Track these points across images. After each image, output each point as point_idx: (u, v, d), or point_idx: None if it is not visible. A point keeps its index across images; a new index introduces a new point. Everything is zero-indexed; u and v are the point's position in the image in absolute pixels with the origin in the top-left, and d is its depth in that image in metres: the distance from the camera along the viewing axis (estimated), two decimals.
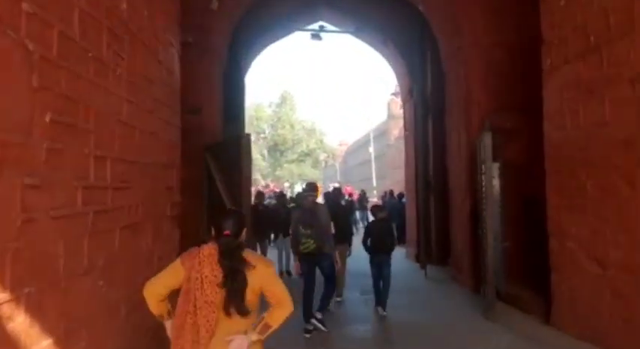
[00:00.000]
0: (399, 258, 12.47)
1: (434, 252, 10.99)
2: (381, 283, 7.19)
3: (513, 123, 7.76)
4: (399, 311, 7.37)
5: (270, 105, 51.93)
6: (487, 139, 6.26)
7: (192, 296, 2.51)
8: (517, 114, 7.83)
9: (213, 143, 7.47)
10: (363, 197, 20.78)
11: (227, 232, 2.61)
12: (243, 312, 2.54)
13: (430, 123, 10.88)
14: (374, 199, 30.08)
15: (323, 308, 6.32)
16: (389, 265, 7.23)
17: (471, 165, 8.14)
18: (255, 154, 50.87)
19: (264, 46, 11.90)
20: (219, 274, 2.54)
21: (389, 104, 42.18)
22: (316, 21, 11.94)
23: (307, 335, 6.07)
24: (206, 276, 2.52)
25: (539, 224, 6.74)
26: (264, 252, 9.99)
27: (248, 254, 2.66)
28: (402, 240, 14.38)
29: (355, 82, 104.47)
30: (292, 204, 12.42)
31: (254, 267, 2.58)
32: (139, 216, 4.33)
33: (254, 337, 2.58)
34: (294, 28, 11.75)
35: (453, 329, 6.42)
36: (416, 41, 10.62)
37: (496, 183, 6.36)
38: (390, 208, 14.83)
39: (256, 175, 51.91)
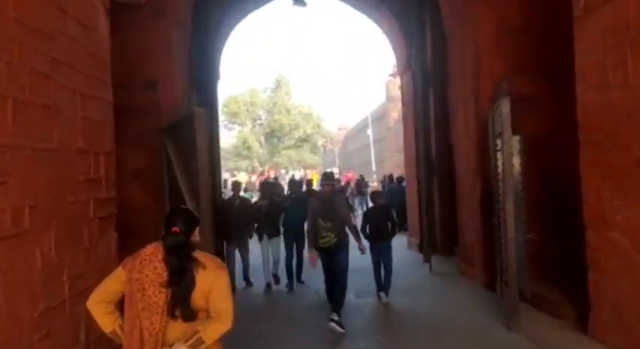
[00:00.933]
0: (401, 248, 11.21)
1: (439, 241, 9.71)
2: (382, 270, 6.90)
3: (532, 89, 6.42)
4: (401, 317, 6.29)
5: (265, 91, 50.31)
6: (505, 106, 4.92)
7: (135, 298, 2.36)
8: (536, 79, 6.49)
9: (172, 123, 6.13)
10: (361, 182, 19.43)
11: (175, 229, 2.42)
12: (189, 316, 2.37)
13: (431, 96, 9.51)
14: (374, 184, 28.80)
15: (339, 308, 5.81)
16: (390, 251, 6.99)
17: (482, 143, 6.81)
18: (253, 141, 49.46)
19: (242, 14, 10.48)
20: (163, 273, 2.36)
21: (387, 85, 40.76)
22: None
23: (332, 324, 5.64)
24: (147, 276, 2.36)
25: (567, 209, 5.46)
26: (229, 258, 7.82)
27: (199, 254, 2.46)
28: (403, 228, 13.13)
29: (349, 57, 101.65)
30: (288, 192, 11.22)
31: (204, 268, 2.39)
32: (25, 221, 3.03)
33: None
34: None
35: (469, 344, 5.15)
36: (413, 1, 9.20)
37: (516, 161, 5.02)
38: (390, 193, 13.56)
39: (254, 162, 50.62)
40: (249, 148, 48.66)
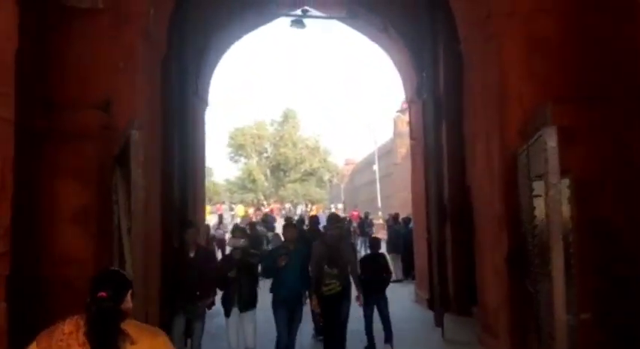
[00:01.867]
0: (406, 300, 9.71)
1: (452, 297, 8.22)
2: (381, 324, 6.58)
3: (575, 119, 5.08)
4: None
5: (272, 123, 49.57)
6: (551, 139, 3.59)
7: None
8: (580, 106, 5.16)
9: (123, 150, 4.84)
10: (364, 221, 17.94)
11: (102, 294, 2.08)
12: None
13: (444, 129, 8.23)
14: (379, 221, 27.32)
15: None
16: (386, 303, 6.69)
17: (509, 185, 5.44)
18: (258, 174, 48.37)
19: (234, 37, 9.38)
20: None
21: (395, 121, 39.76)
22: (297, 6, 9.42)
23: None
24: None
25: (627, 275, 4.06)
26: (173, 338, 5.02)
27: (130, 325, 2.12)
28: (410, 275, 11.64)
29: (356, 86, 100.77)
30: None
31: (133, 343, 2.05)
32: None
33: None
34: (271, 14, 9.22)
35: None
36: (424, 22, 8.02)
37: (566, 209, 3.64)
38: (395, 236, 12.16)
39: (259, 196, 49.38)
40: (254, 181, 47.61)
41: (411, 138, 9.54)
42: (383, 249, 16.68)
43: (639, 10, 4.70)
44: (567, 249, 3.91)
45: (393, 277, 12.04)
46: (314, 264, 5.72)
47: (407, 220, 12.33)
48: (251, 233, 11.60)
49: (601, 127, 4.84)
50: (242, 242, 5.61)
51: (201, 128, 9.36)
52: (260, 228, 14.32)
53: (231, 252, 5.88)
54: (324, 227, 7.26)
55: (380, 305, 6.53)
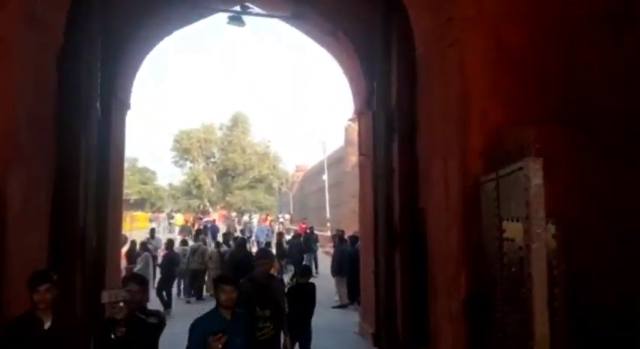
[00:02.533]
0: (348, 331, 8.76)
1: (400, 336, 7.31)
2: None
3: (548, 144, 4.28)
4: None
5: (221, 128, 47.85)
6: (535, 175, 2.71)
7: None
8: (553, 129, 4.37)
9: None
10: (310, 237, 16.89)
11: None
12: None
13: (396, 145, 7.35)
14: (327, 233, 26.42)
15: None
16: (310, 338, 6.32)
17: (470, 220, 4.60)
18: (204, 179, 46.52)
19: (160, 33, 8.19)
20: None
21: (346, 129, 39.04)
22: (237, 1, 8.34)
23: None
24: None
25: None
26: None
27: None
28: (355, 299, 10.73)
29: (308, 90, 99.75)
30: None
31: None
32: None
33: None
34: (206, 9, 8.10)
35: None
36: (377, 27, 7.13)
37: (542, 265, 2.74)
38: (340, 256, 11.20)
39: (205, 202, 47.49)
40: (199, 187, 45.72)
41: (360, 153, 8.64)
42: (327, 271, 15.82)
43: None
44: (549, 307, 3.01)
45: (337, 302, 11.14)
46: (243, 305, 4.87)
47: (354, 239, 11.42)
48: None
49: (584, 159, 4.05)
50: (124, 295, 3.64)
51: (120, 131, 8.10)
52: (198, 244, 12.99)
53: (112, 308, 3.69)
54: (253, 261, 6.17)
55: (302, 342, 6.12)
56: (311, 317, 6.29)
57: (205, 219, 29.27)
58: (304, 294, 6.17)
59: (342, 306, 10.77)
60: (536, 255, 2.60)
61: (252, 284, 5.13)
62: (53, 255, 5.22)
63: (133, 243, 12.06)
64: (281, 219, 29.68)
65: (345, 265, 10.78)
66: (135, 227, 33.05)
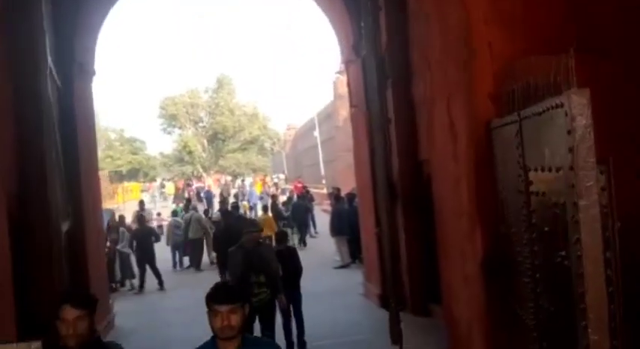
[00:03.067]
0: (352, 293, 8.36)
1: (408, 293, 6.91)
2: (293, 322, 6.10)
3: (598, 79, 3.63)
4: None
5: (206, 91, 46.49)
6: (581, 110, 2.08)
7: None
8: (578, 59, 3.70)
9: None
10: (305, 197, 16.36)
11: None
12: None
13: (390, 92, 6.69)
14: (323, 191, 26.00)
15: None
16: (300, 298, 6.22)
17: (483, 169, 4.01)
18: (194, 145, 45.60)
19: None
20: None
21: (334, 83, 38.05)
22: None
23: None
24: None
25: None
26: None
27: None
28: (356, 257, 10.34)
29: (291, 45, 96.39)
30: None
31: None
32: None
33: None
34: None
35: None
36: None
37: (596, 227, 2.17)
38: (338, 216, 10.72)
39: (197, 168, 46.77)
40: (190, 153, 44.84)
41: (351, 104, 7.96)
42: (325, 230, 15.35)
43: None
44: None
45: (339, 262, 10.76)
46: (234, 274, 5.23)
47: (351, 197, 10.89)
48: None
49: (622, 93, 3.42)
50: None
51: (85, 99, 7.38)
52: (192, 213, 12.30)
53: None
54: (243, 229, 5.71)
55: (294, 302, 6.10)
56: (298, 280, 6.29)
57: (196, 185, 28.67)
58: (286, 259, 6.07)
59: (344, 266, 10.40)
60: (588, 215, 2.03)
61: (242, 252, 5.21)
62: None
63: (112, 218, 11.37)
64: (275, 180, 29.07)
65: (344, 224, 10.31)
66: (128, 198, 32.58)
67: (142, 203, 13.86)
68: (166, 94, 45.64)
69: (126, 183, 37.79)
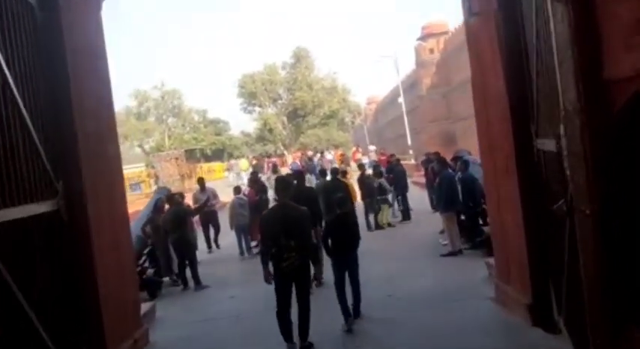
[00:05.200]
0: (475, 296, 5.61)
1: (588, 313, 4.00)
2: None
3: None
4: None
5: (284, 67, 44.45)
6: None
7: None
8: None
9: None
10: (394, 166, 13.16)
11: None
12: None
13: None
14: (411, 162, 23.01)
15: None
16: (357, 263, 5.58)
17: None
18: (275, 123, 44.04)
19: None
20: None
21: (417, 50, 34.45)
22: None
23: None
24: None
25: None
26: None
27: None
28: (474, 242, 7.53)
29: (366, 15, 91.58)
30: None
31: None
32: None
33: None
34: None
35: None
36: None
37: None
38: (448, 184, 7.84)
39: (279, 146, 45.30)
40: (271, 131, 43.31)
41: (472, 12, 5.04)
42: (422, 207, 12.56)
43: None
44: None
45: (448, 248, 7.92)
46: (266, 237, 4.85)
47: (463, 162, 7.82)
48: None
49: None
50: None
51: (86, 32, 5.12)
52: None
53: None
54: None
55: (351, 268, 5.49)
56: (357, 243, 5.59)
57: (274, 159, 26.78)
58: (343, 224, 5.51)
59: (453, 253, 7.60)
60: None
61: (271, 213, 4.90)
62: None
63: (162, 199, 8.47)
64: (372, 151, 26.19)
65: (456, 196, 7.48)
66: (212, 177, 31.62)
67: (201, 180, 11.34)
68: (244, 71, 44.27)
69: (210, 164, 37.11)
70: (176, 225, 7.52)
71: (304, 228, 4.71)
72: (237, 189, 9.93)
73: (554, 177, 3.94)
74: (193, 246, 7.97)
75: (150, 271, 7.99)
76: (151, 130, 49.47)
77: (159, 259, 8.15)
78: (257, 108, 45.33)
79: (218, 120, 52.75)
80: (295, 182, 6.56)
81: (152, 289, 7.77)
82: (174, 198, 7.98)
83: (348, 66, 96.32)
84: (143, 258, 8.23)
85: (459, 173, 7.68)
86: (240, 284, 7.89)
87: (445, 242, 8.10)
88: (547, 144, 3.92)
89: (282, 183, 5.04)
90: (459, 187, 7.46)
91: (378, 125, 55.75)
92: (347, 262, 5.40)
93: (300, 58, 43.25)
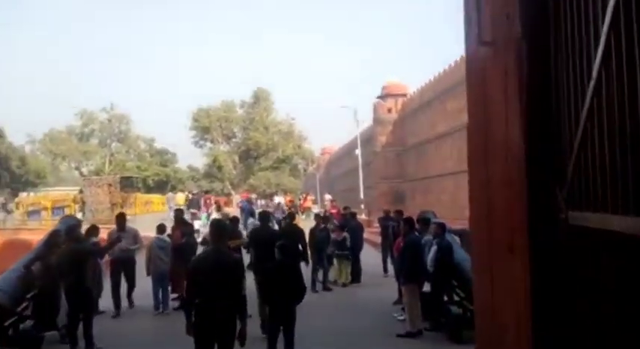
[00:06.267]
0: None
1: None
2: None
3: None
4: None
5: (242, 105, 43.39)
6: None
7: None
8: None
9: None
10: (347, 217, 11.83)
11: None
12: None
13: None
14: (362, 217, 21.88)
15: None
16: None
17: None
18: (225, 160, 42.37)
19: None
20: None
21: (375, 107, 34.56)
22: None
23: None
24: None
25: None
26: None
27: None
28: (441, 314, 6.27)
29: (332, 71, 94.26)
30: None
31: None
32: None
33: None
34: None
35: None
36: None
37: None
38: (412, 248, 6.57)
39: (227, 185, 43.44)
40: (220, 168, 41.50)
41: (482, 41, 4.00)
42: (379, 268, 11.02)
43: None
44: None
45: (407, 327, 6.48)
46: (193, 284, 4.13)
47: (439, 225, 6.49)
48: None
49: None
50: None
51: None
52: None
53: None
54: None
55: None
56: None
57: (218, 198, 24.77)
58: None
59: (412, 334, 6.26)
60: None
61: (204, 261, 4.29)
62: None
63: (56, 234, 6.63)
64: (327, 200, 24.93)
65: (422, 266, 6.21)
66: (149, 210, 29.18)
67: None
68: (200, 105, 42.73)
69: (143, 194, 34.57)
70: (73, 267, 5.78)
71: (238, 277, 4.22)
72: (160, 228, 8.10)
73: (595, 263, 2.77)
74: (92, 296, 6.20)
75: (28, 322, 6.15)
76: (91, 153, 46.46)
77: (45, 307, 6.32)
78: (208, 144, 43.63)
79: (165, 150, 50.45)
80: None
81: (27, 345, 5.94)
82: (74, 232, 6.19)
83: (305, 113, 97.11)
84: (24, 303, 6.38)
85: (431, 237, 6.49)
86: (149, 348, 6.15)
87: (401, 317, 6.78)
88: (592, 219, 2.75)
89: (217, 226, 4.62)
90: (432, 255, 6.22)
91: (330, 176, 55.15)
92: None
93: (259, 98, 42.41)
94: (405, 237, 6.51)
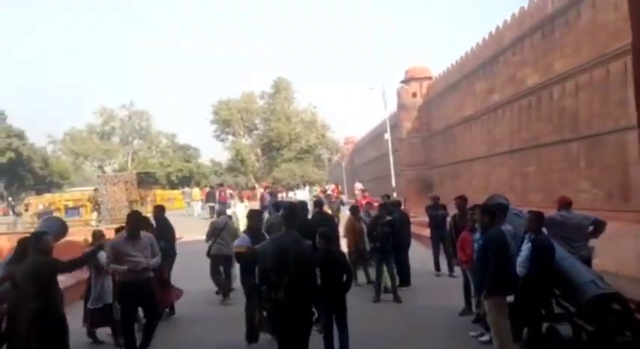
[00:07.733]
0: None
1: None
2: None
3: None
4: None
5: (262, 96, 41.79)
6: None
7: None
8: None
9: None
10: (393, 209, 9.87)
11: None
12: None
13: None
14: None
15: None
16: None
17: None
18: (248, 153, 40.91)
19: None
20: None
21: (399, 92, 32.49)
22: None
23: None
24: None
25: None
26: None
27: None
28: (544, 337, 4.47)
29: (353, 56, 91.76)
30: None
31: None
32: None
33: None
34: None
35: None
36: None
37: None
38: (498, 250, 4.79)
39: (250, 178, 42.05)
40: (243, 162, 40.04)
41: None
42: (429, 266, 8.42)
43: None
44: None
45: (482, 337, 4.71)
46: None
47: (536, 217, 4.64)
48: None
49: None
50: None
51: None
52: None
53: None
54: None
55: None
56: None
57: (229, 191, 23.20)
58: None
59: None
60: None
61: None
62: None
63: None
64: (357, 190, 23.07)
65: (512, 270, 4.44)
66: (171, 207, 27.91)
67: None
68: (220, 97, 41.28)
69: (164, 191, 33.33)
70: (38, 288, 4.20)
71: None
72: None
73: None
74: (66, 327, 4.53)
75: None
76: (113, 151, 45.60)
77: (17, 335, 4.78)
78: (230, 137, 42.19)
79: (188, 146, 49.36)
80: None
81: None
82: (41, 240, 4.51)
83: (327, 103, 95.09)
84: None
85: (510, 228, 4.71)
86: None
87: (484, 338, 5.05)
88: None
89: (290, 209, 4.37)
90: (526, 254, 4.46)
91: (354, 165, 53.29)
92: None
93: (280, 88, 40.70)
94: (484, 232, 4.73)
